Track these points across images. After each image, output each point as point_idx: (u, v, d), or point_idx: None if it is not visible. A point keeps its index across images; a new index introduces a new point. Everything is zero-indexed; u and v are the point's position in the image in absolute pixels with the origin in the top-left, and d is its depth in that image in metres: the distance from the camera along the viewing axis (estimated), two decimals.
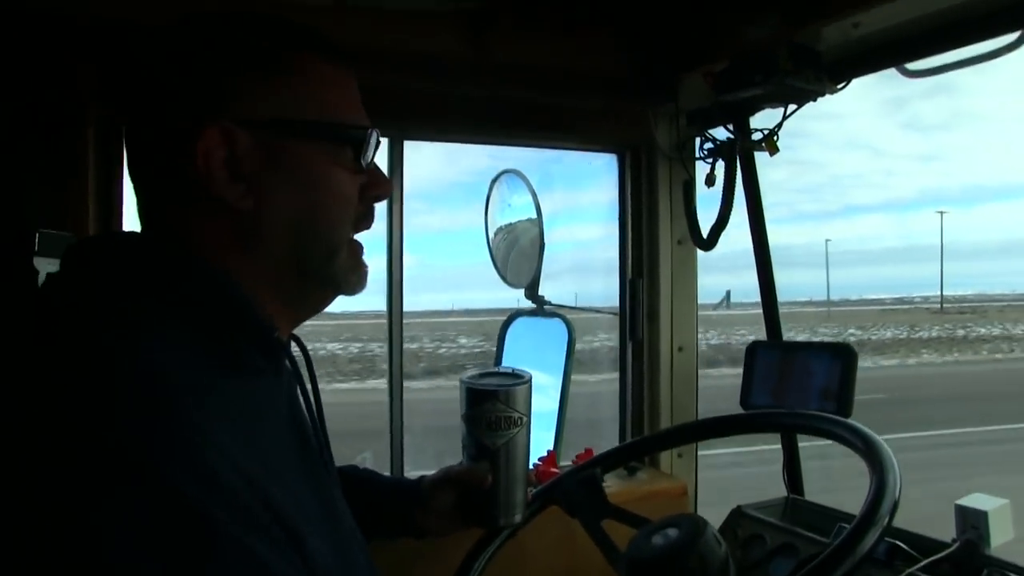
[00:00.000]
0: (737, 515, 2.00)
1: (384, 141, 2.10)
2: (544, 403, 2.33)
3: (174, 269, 0.94)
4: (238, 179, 0.95)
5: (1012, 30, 1.56)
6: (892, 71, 1.85)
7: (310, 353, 1.17)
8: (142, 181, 1.01)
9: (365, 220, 1.08)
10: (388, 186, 1.10)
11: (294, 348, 1.12)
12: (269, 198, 0.97)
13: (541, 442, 2.24)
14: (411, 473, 2.12)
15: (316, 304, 1.08)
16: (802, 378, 1.98)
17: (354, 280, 1.07)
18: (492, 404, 1.38)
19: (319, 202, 1.00)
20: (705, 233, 2.20)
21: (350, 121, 1.02)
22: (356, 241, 1.07)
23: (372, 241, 1.13)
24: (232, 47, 0.97)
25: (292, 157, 0.97)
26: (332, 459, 1.14)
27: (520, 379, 1.42)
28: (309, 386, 1.13)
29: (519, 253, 2.53)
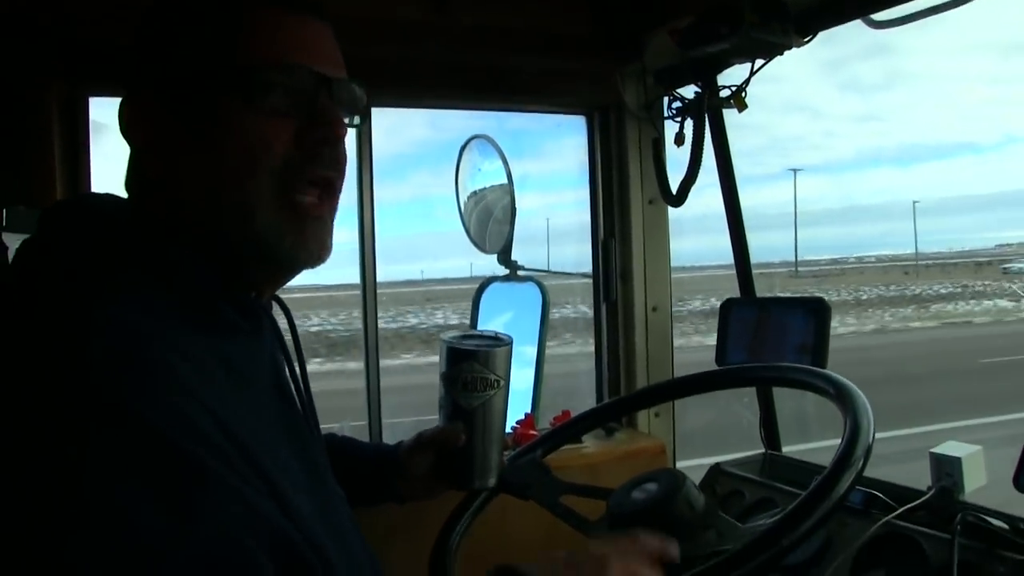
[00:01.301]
0: (715, 472, 2.01)
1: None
2: (521, 367, 2.33)
3: (142, 230, 0.94)
4: (151, 144, 0.95)
5: None
6: (858, 22, 1.85)
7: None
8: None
9: (307, 167, 0.96)
10: (327, 126, 0.96)
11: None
12: (179, 162, 0.94)
13: (519, 406, 2.25)
14: None
15: (267, 277, 1.02)
16: (777, 334, 1.99)
17: (296, 249, 0.97)
18: (469, 364, 1.37)
19: (225, 157, 0.93)
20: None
21: (266, 62, 0.93)
22: (294, 198, 0.96)
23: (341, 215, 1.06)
24: (154, 5, 0.97)
25: (204, 113, 0.93)
26: (317, 423, 1.14)
27: (500, 342, 1.41)
28: (293, 350, 1.12)
29: (491, 218, 2.52)
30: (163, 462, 0.73)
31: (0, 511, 0.70)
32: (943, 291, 37.62)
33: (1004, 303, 31.30)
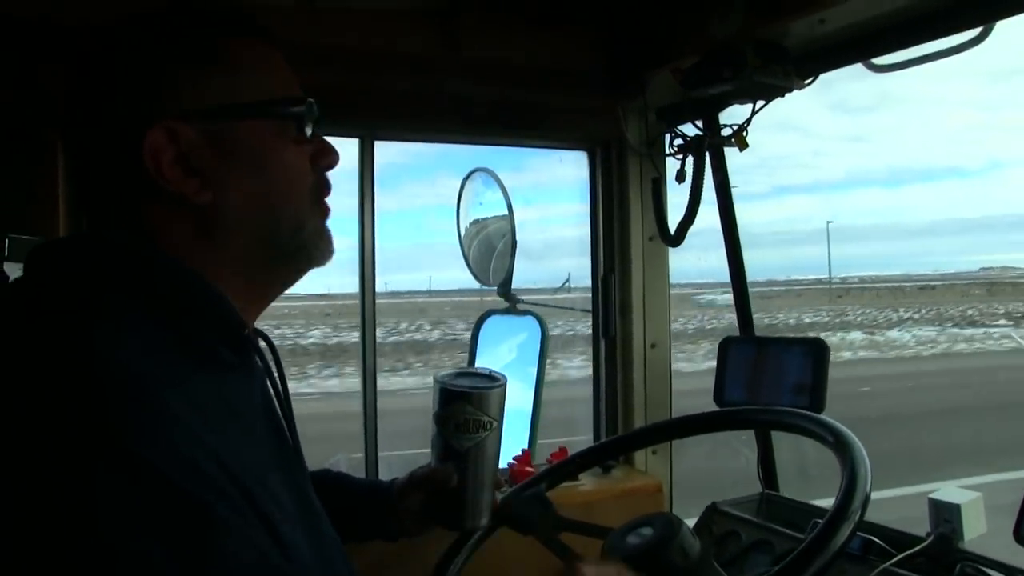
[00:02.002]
0: (712, 511, 2.01)
1: (354, 142, 2.10)
2: (518, 401, 2.33)
3: (142, 267, 0.94)
4: (192, 174, 0.95)
5: (974, 26, 1.58)
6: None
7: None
8: (94, 181, 1.01)
9: (324, 189, 1.09)
10: (335, 153, 1.10)
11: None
12: (226, 187, 0.98)
13: (516, 441, 2.24)
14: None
15: (287, 280, 1.09)
16: (775, 373, 1.99)
17: (323, 247, 1.08)
18: (462, 406, 1.36)
19: (273, 180, 1.01)
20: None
21: (285, 94, 1.03)
22: (324, 204, 1.09)
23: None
24: (160, 43, 0.98)
25: (240, 141, 0.98)
26: (301, 451, 1.14)
27: (494, 383, 1.40)
28: (278, 380, 1.12)
29: (491, 251, 2.53)
30: (174, 507, 0.74)
31: (16, 563, 0.70)
32: (808, 320, 35.66)
33: (856, 335, 29.41)
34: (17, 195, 1.70)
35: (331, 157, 1.09)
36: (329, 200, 1.10)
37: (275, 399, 1.11)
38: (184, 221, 0.97)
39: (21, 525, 0.70)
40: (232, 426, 0.91)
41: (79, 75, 0.99)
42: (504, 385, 1.39)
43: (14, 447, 0.74)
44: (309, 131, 1.05)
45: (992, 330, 30.05)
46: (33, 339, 0.83)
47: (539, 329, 2.42)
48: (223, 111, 0.97)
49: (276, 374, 1.12)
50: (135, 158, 0.93)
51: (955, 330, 30.54)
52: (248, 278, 1.02)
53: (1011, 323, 32.50)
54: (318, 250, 1.07)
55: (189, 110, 0.95)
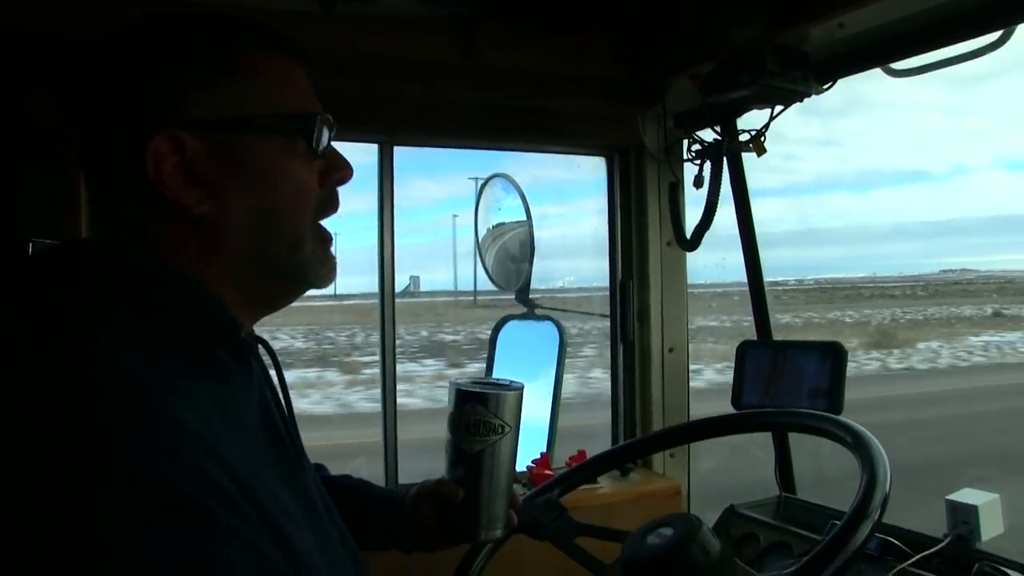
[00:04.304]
0: (730, 514, 2.01)
1: (374, 147, 2.12)
2: (537, 406, 2.34)
3: (138, 273, 0.94)
4: (193, 184, 0.95)
5: (994, 29, 1.58)
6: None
7: None
8: (99, 187, 1.02)
9: (330, 206, 1.08)
10: (349, 169, 1.09)
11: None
12: (227, 200, 0.97)
13: (535, 445, 2.25)
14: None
15: (282, 299, 1.09)
16: (792, 377, 1.99)
17: (324, 272, 1.07)
18: (473, 407, 1.32)
19: (277, 196, 1.00)
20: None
21: (297, 110, 1.02)
22: (323, 229, 1.07)
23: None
24: (170, 51, 0.97)
25: (245, 155, 0.98)
26: (305, 456, 1.13)
27: (511, 387, 1.38)
28: (278, 384, 1.11)
29: (509, 256, 2.54)
30: (176, 513, 0.74)
31: (16, 569, 0.70)
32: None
33: None
34: (40, 201, 1.72)
35: (343, 173, 1.08)
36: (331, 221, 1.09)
37: (273, 403, 1.09)
38: (184, 230, 0.97)
39: (22, 535, 0.70)
40: (236, 433, 0.90)
41: (92, 82, 0.99)
42: (521, 391, 1.36)
43: (16, 458, 0.73)
44: (322, 146, 1.04)
45: None
46: (36, 351, 0.83)
47: (557, 334, 2.42)
48: (230, 124, 0.97)
49: (276, 378, 1.11)
50: (138, 165, 0.94)
51: None
52: (242, 292, 1.02)
53: None
54: (315, 273, 1.06)
55: (196, 120, 0.95)
